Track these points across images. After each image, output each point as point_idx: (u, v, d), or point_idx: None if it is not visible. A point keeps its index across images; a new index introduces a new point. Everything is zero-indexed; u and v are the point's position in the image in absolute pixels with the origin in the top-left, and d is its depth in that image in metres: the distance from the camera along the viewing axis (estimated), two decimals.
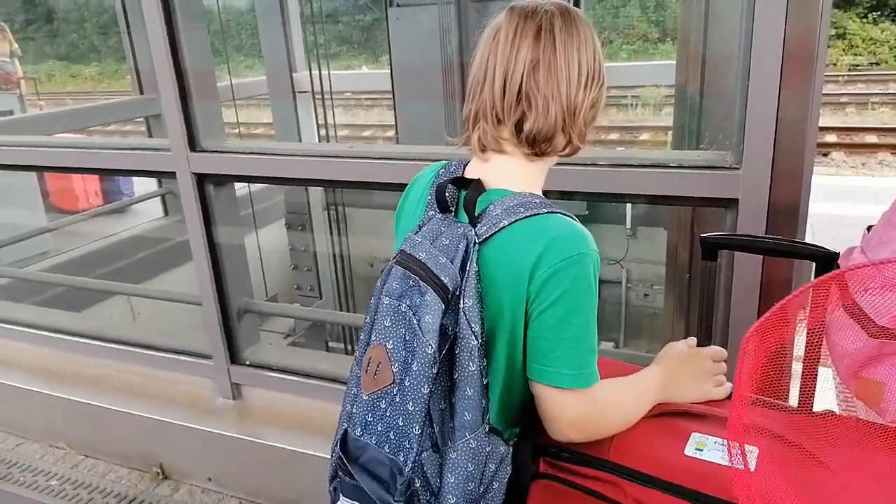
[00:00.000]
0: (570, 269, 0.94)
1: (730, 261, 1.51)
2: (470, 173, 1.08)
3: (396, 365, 0.98)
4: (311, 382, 2.21)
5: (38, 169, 2.27)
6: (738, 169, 1.42)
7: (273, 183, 2.44)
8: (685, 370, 1.11)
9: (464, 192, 1.06)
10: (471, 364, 0.97)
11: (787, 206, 1.42)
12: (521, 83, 1.00)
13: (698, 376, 1.11)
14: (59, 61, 20.37)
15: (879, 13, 14.92)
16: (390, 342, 1.00)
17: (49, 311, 2.96)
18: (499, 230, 0.98)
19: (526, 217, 0.98)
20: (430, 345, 0.96)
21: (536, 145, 1.02)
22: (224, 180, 2.14)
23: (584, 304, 0.96)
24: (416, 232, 1.06)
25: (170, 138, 2.06)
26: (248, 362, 2.32)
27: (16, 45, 6.16)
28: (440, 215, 1.06)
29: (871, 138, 8.94)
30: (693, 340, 1.17)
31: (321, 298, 2.87)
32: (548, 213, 0.99)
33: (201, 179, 2.10)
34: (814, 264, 1.00)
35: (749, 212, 1.42)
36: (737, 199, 1.43)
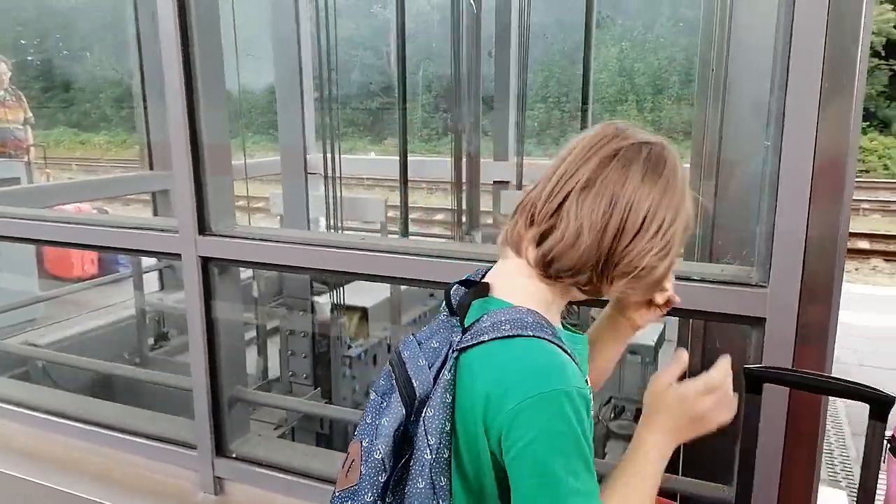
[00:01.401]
0: (537, 408, 0.85)
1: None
2: (489, 275, 1.04)
3: (364, 465, 0.94)
4: (301, 482, 2.07)
5: (42, 243, 2.22)
6: (765, 287, 1.38)
7: (282, 271, 2.39)
8: (685, 420, 0.97)
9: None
10: (419, 480, 0.90)
11: (817, 326, 1.36)
12: (567, 196, 0.94)
13: (703, 418, 0.97)
14: (69, 128, 20.82)
15: (868, 124, 15.58)
16: (365, 440, 0.96)
17: (26, 386, 2.84)
18: (478, 343, 0.92)
19: (507, 337, 0.91)
20: (378, 449, 0.92)
21: (547, 267, 0.95)
22: (231, 265, 2.09)
23: (558, 448, 0.85)
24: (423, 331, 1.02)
25: (178, 219, 2.02)
26: (234, 455, 2.19)
27: (30, 114, 6.27)
28: (444, 316, 1.01)
29: (864, 244, 9.07)
30: (678, 368, 1.02)
31: (315, 388, 2.76)
32: (532, 336, 0.91)
33: (206, 262, 2.05)
34: (868, 406, 0.94)
35: (776, 332, 1.37)
36: (763, 318, 1.38)
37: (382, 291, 2.99)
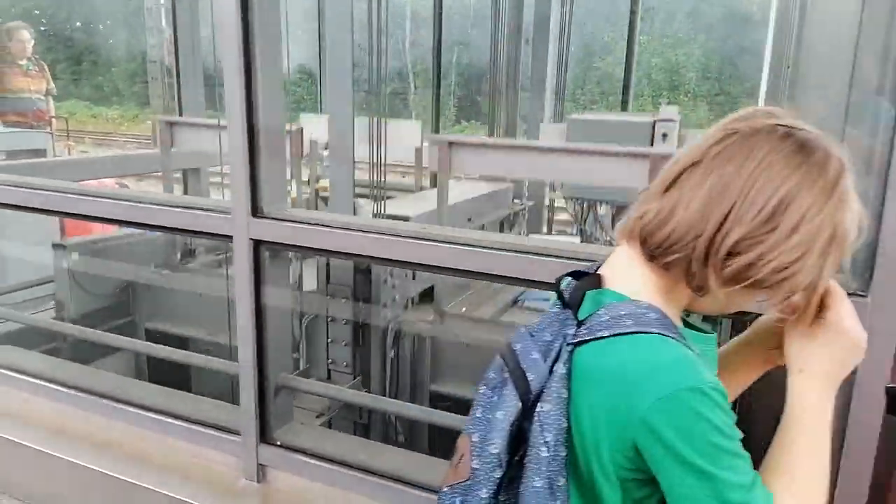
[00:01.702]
0: (671, 409, 0.80)
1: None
2: (602, 267, 0.98)
3: (476, 461, 0.90)
4: (345, 472, 2.04)
5: (85, 218, 2.17)
6: (864, 296, 1.32)
7: (336, 257, 2.34)
8: (827, 353, 0.91)
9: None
10: (536, 479, 0.86)
11: None
12: (680, 174, 0.89)
13: (852, 344, 0.91)
14: (81, 101, 20.75)
15: None
16: (476, 434, 0.92)
17: (56, 362, 2.80)
18: (596, 338, 0.87)
19: (628, 333, 0.86)
20: (494, 444, 0.89)
21: (644, 243, 0.90)
22: (283, 249, 2.04)
23: (703, 447, 0.80)
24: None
25: (232, 200, 1.96)
26: (278, 443, 2.15)
27: (52, 85, 6.20)
28: (557, 309, 0.97)
29: None
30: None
31: (355, 378, 2.72)
32: (657, 333, 0.85)
33: (258, 246, 2.00)
34: None
35: (877, 345, 1.31)
36: None
37: None
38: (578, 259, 1.54)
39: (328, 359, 2.72)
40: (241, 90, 1.88)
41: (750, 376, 1.10)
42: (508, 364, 0.93)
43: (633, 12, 4.56)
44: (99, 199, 2.13)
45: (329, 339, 2.71)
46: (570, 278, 0.98)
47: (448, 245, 1.74)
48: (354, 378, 2.73)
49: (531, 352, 0.92)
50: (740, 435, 0.82)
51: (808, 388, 0.91)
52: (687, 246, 0.86)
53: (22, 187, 2.30)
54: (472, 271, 1.68)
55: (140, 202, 2.11)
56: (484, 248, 1.68)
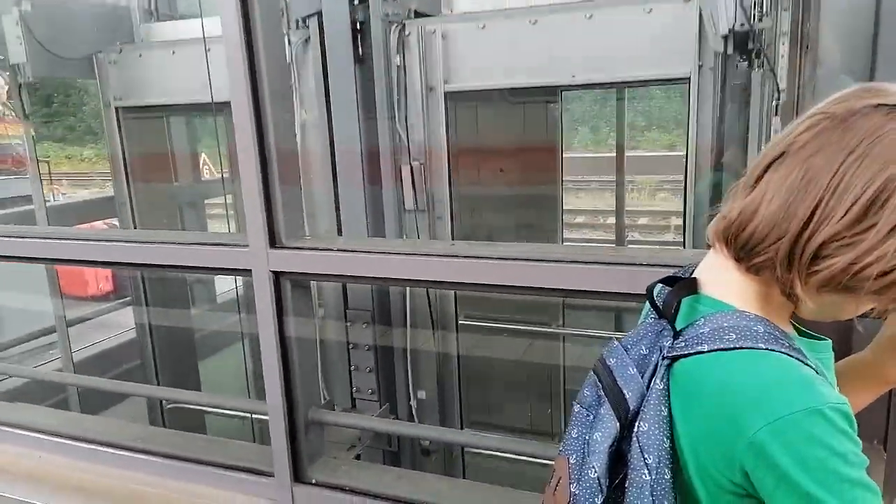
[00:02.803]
0: (784, 435, 0.72)
1: None
2: (697, 270, 0.91)
3: (575, 484, 0.85)
4: None
5: (95, 265, 2.06)
6: None
7: (362, 283, 2.26)
8: None
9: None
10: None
11: None
12: (770, 162, 0.81)
13: None
14: (55, 143, 20.45)
15: None
16: (573, 456, 0.86)
17: (69, 416, 2.69)
18: (696, 353, 0.80)
19: (733, 349, 0.78)
20: (593, 468, 0.82)
21: (729, 244, 0.83)
22: (305, 279, 1.95)
23: (822, 476, 0.71)
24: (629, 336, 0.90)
25: (249, 232, 1.88)
26: (313, 481, 2.06)
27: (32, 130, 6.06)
28: (652, 318, 0.90)
29: None
30: None
31: (382, 406, 2.64)
32: (765, 349, 0.78)
33: (278, 277, 1.92)
34: None
35: None
36: None
37: None
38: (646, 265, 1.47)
39: (352, 387, 2.64)
40: (250, 114, 1.80)
41: (867, 396, 1.02)
42: (603, 381, 0.87)
43: None
44: (108, 244, 2.03)
45: (352, 367, 2.62)
46: (661, 285, 0.91)
47: (482, 260, 1.67)
48: (381, 406, 2.64)
49: (627, 367, 0.86)
50: (866, 462, 0.74)
51: None
52: (770, 248, 0.78)
53: (25, 237, 2.19)
54: (514, 286, 1.61)
55: (151, 242, 2.02)
56: (522, 260, 1.61)
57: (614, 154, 5.46)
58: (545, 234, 4.73)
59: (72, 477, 2.34)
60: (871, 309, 0.82)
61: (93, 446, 2.35)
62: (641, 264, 1.49)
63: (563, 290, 1.63)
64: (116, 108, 3.53)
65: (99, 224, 4.84)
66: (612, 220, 7.72)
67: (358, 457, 2.52)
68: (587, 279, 1.57)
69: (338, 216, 2.72)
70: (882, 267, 0.73)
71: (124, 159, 3.49)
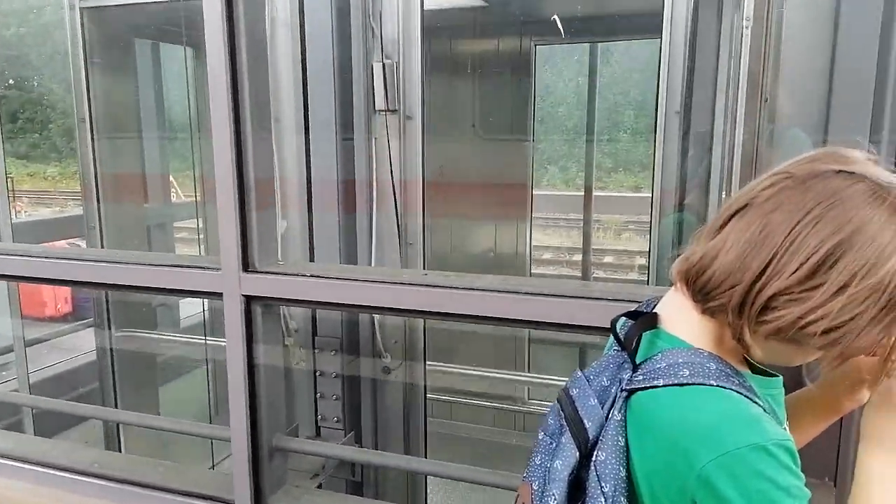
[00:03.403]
0: (729, 469, 0.76)
1: None
2: (659, 305, 0.96)
3: None
4: None
5: (62, 283, 2.04)
6: None
7: (334, 309, 2.27)
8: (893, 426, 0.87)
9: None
10: None
11: None
12: (733, 213, 0.86)
13: None
14: (18, 159, 20.02)
15: None
16: (535, 483, 0.90)
17: (19, 437, 2.61)
18: (651, 387, 0.85)
19: (686, 385, 0.83)
20: (553, 495, 0.86)
21: (691, 286, 0.88)
22: (277, 304, 1.96)
23: None
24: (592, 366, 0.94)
25: (222, 255, 1.89)
26: None
27: None
28: (615, 351, 0.94)
29: None
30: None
31: (347, 434, 2.62)
32: (716, 386, 0.82)
33: (249, 302, 1.92)
34: None
35: None
36: None
37: None
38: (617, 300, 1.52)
39: (317, 415, 2.62)
40: (230, 141, 1.83)
41: (821, 424, 1.07)
42: (565, 410, 0.91)
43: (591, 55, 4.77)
44: (74, 262, 2.01)
45: (318, 395, 2.61)
46: (624, 318, 0.96)
47: (453, 290, 1.70)
48: (346, 434, 2.63)
49: (589, 398, 0.90)
50: (808, 496, 0.78)
51: (872, 457, 0.88)
52: (724, 294, 0.82)
53: None
54: (483, 316, 1.65)
55: (120, 262, 2.01)
56: (493, 291, 1.65)
57: (582, 193, 5.60)
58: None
59: (25, 501, 2.27)
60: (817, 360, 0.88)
61: (47, 470, 2.28)
62: (608, 299, 1.55)
63: (531, 321, 1.67)
64: (81, 10, 3.34)
65: (59, 242, 4.76)
66: (578, 257, 7.86)
67: (320, 486, 2.49)
68: (556, 311, 1.61)
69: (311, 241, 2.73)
70: (827, 324, 0.77)
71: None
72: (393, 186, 2.69)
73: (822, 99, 1.85)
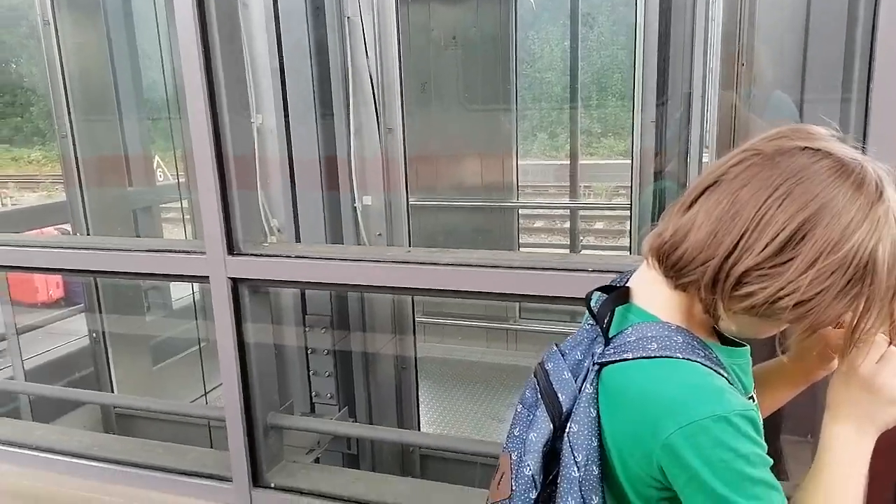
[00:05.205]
0: (693, 438, 0.79)
1: None
2: (631, 279, 0.98)
3: (515, 480, 0.92)
4: None
5: (46, 271, 2.05)
6: None
7: (320, 289, 2.29)
8: (857, 402, 0.89)
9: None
10: (569, 498, 0.87)
11: None
12: (701, 193, 0.87)
13: (873, 404, 0.89)
14: (1, 144, 19.74)
15: None
16: (514, 453, 0.93)
17: (22, 424, 2.64)
18: (622, 360, 0.88)
19: (654, 357, 0.85)
20: (528, 465, 0.90)
21: (660, 262, 0.89)
22: (263, 286, 1.97)
23: (727, 477, 0.78)
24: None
25: (206, 239, 1.90)
26: (272, 485, 2.08)
27: None
28: (589, 325, 0.97)
29: None
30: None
31: (341, 410, 2.66)
32: (682, 359, 0.85)
33: (237, 284, 1.93)
34: None
35: None
36: None
37: None
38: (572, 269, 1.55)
39: (311, 391, 2.66)
40: (207, 118, 1.82)
41: (791, 391, 1.10)
42: (540, 384, 0.94)
43: (573, 21, 4.71)
44: (59, 250, 2.02)
45: (311, 372, 2.64)
46: (599, 293, 0.98)
47: (438, 266, 1.72)
48: (340, 410, 2.67)
49: (563, 371, 0.93)
50: (769, 463, 0.81)
51: (835, 431, 0.90)
52: (697, 270, 0.84)
53: None
54: (469, 291, 1.67)
55: (104, 249, 2.01)
56: (477, 266, 1.68)
57: (568, 162, 5.59)
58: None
59: (25, 485, 2.30)
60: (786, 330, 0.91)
61: (46, 454, 2.32)
62: (589, 270, 1.57)
63: (516, 294, 1.69)
64: None
65: (48, 229, 4.73)
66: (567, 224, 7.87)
67: (317, 460, 2.54)
68: (539, 284, 1.64)
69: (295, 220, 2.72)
70: (798, 298, 0.79)
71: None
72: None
73: (799, 58, 1.86)
